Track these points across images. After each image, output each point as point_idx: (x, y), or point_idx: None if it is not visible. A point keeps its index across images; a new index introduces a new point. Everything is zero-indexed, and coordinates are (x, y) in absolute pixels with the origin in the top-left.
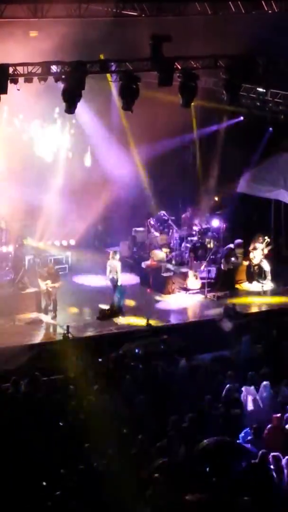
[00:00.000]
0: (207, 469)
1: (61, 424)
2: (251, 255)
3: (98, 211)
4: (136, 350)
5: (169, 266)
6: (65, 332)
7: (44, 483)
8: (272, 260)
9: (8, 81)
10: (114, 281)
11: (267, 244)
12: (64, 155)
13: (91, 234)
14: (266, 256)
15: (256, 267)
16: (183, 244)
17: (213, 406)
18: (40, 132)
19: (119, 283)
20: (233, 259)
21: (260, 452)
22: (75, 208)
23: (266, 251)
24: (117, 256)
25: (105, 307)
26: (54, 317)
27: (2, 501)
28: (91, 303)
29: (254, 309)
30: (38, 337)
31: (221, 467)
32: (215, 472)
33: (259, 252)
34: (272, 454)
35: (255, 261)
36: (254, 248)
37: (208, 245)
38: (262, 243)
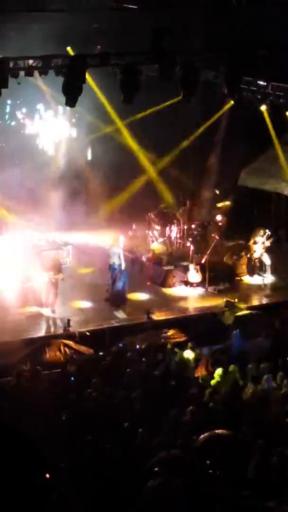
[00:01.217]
0: (208, 462)
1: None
2: (252, 249)
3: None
4: (137, 344)
5: (170, 259)
6: (66, 325)
7: (44, 476)
8: (272, 253)
9: (9, 75)
10: (114, 267)
11: (268, 237)
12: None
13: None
14: (267, 249)
15: (257, 261)
16: (183, 238)
17: (213, 399)
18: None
19: (122, 267)
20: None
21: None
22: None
23: (267, 243)
24: (119, 242)
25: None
26: (53, 311)
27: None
28: (92, 296)
29: (255, 302)
30: (38, 331)
31: (222, 461)
32: (216, 465)
33: (259, 246)
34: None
35: (256, 255)
36: (255, 242)
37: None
38: (263, 236)
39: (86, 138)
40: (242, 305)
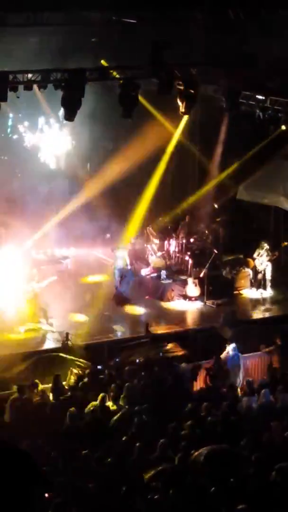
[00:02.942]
0: (205, 477)
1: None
2: (256, 262)
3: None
4: (136, 358)
5: (168, 273)
6: (65, 339)
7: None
8: (271, 267)
9: (8, 89)
10: (122, 270)
11: (272, 251)
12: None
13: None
14: (272, 262)
15: (258, 274)
16: (182, 251)
17: (212, 413)
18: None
19: (128, 267)
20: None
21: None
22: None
23: (271, 256)
24: (122, 246)
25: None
26: (51, 324)
27: None
28: (92, 310)
29: (254, 316)
30: (37, 345)
31: (220, 475)
32: (213, 480)
33: (263, 259)
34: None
35: (260, 268)
36: (259, 255)
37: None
38: (266, 249)
39: (86, 151)
40: (241, 319)
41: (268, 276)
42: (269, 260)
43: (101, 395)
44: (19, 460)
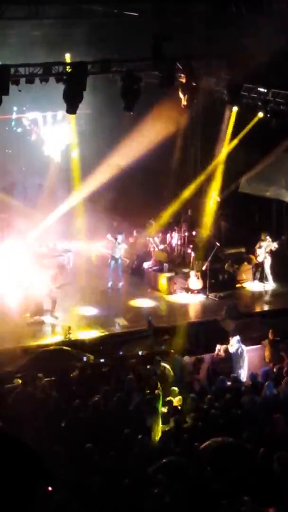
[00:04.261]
0: (210, 471)
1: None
2: (257, 254)
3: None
4: (138, 351)
5: (171, 266)
6: (67, 333)
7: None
8: (274, 260)
9: (10, 82)
10: (118, 260)
11: (273, 243)
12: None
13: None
14: (272, 255)
15: (259, 267)
16: (184, 244)
17: (214, 406)
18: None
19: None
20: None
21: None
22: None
23: (273, 248)
24: (121, 238)
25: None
26: (54, 318)
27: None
28: (93, 303)
29: (256, 309)
30: (39, 339)
31: (223, 468)
32: (216, 473)
33: (263, 251)
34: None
35: (259, 260)
36: (260, 247)
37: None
38: (267, 241)
39: (88, 145)
40: (243, 311)
41: (267, 268)
42: (269, 252)
43: (103, 389)
44: (23, 454)
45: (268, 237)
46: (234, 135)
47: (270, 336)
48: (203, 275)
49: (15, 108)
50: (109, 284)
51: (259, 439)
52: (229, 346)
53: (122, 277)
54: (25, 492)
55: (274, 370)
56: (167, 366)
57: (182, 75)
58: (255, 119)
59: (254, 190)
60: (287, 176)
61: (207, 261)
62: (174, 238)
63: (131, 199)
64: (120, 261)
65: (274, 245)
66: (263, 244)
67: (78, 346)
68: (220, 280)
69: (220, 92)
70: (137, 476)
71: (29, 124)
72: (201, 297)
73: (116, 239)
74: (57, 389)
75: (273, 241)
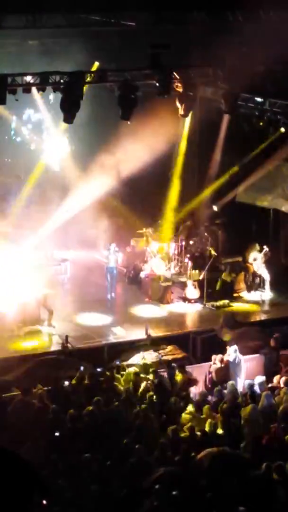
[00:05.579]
0: (208, 481)
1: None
2: (252, 266)
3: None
4: (136, 360)
5: (168, 275)
6: (64, 342)
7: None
8: (271, 269)
9: (7, 92)
10: (113, 270)
11: (266, 252)
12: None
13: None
14: (266, 264)
15: (255, 276)
16: (181, 254)
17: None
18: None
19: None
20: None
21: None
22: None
23: (265, 258)
24: (114, 248)
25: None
26: (51, 327)
27: None
28: (91, 312)
29: (253, 318)
30: (37, 348)
31: (220, 479)
32: (213, 484)
33: (258, 261)
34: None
35: (258, 271)
36: (255, 259)
37: (207, 255)
38: (260, 252)
39: (85, 154)
40: (240, 321)
41: (266, 277)
42: (263, 263)
43: (96, 398)
44: (19, 467)
45: (259, 247)
46: (230, 143)
47: (272, 344)
48: (200, 285)
49: (14, 118)
50: (108, 296)
51: (257, 448)
52: (226, 355)
53: (115, 288)
54: (21, 505)
55: (274, 380)
56: (164, 376)
57: (179, 84)
58: (277, 134)
59: (251, 199)
60: (284, 185)
61: (204, 271)
62: (171, 248)
63: (128, 208)
64: (115, 270)
65: (265, 257)
66: (257, 255)
67: (75, 355)
68: (217, 290)
69: (217, 101)
70: (134, 486)
71: (28, 134)
72: (198, 307)
73: (109, 249)
74: (53, 398)
75: (266, 252)
